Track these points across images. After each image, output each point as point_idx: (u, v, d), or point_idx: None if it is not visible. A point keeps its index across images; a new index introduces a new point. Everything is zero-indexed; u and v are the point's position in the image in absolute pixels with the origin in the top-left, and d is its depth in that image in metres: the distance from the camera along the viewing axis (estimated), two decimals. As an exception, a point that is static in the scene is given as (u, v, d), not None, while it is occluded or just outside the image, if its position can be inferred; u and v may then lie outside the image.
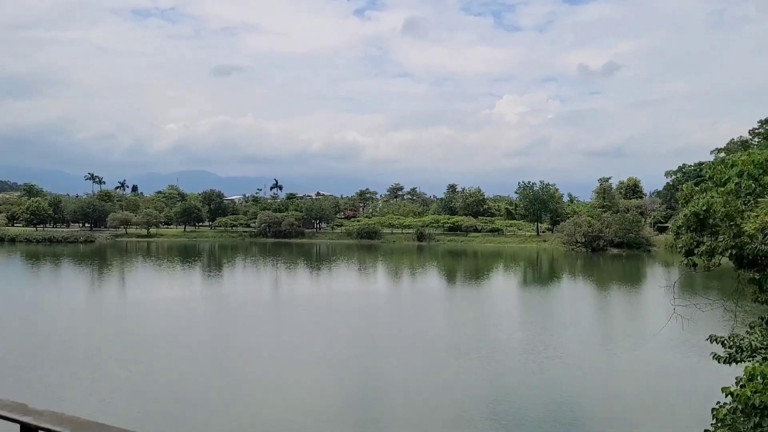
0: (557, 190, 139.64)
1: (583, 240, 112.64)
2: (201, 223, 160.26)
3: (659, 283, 64.19)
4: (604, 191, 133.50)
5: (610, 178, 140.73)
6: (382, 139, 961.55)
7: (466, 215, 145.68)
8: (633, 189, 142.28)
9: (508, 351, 32.18)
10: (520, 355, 31.04)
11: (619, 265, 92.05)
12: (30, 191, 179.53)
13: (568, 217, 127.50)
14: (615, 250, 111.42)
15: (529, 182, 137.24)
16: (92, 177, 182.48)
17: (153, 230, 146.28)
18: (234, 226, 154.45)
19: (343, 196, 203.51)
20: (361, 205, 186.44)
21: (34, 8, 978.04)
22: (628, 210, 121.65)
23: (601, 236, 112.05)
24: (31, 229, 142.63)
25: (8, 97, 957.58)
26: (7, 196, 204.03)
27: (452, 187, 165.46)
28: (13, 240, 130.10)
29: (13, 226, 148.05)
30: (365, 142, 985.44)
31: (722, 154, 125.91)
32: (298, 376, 27.42)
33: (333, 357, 30.87)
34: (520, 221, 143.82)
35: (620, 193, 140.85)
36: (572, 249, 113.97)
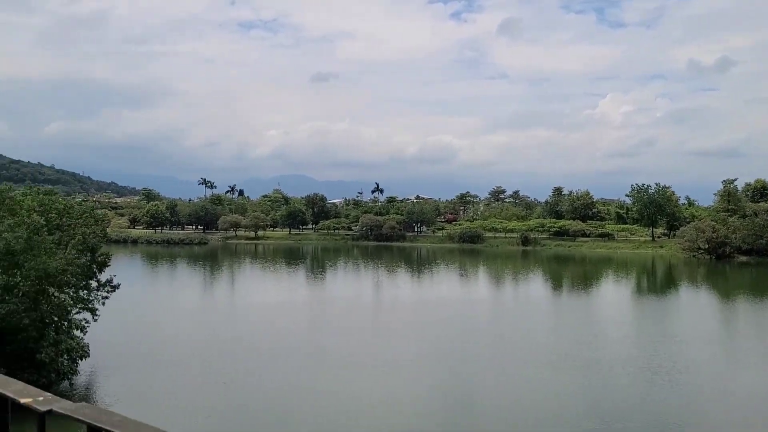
0: (674, 193, 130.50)
1: (707, 246, 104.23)
2: (305, 226, 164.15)
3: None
4: (728, 194, 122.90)
5: (735, 179, 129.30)
6: (477, 142, 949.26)
7: (574, 219, 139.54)
8: (761, 191, 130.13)
9: (618, 367, 29.47)
10: (633, 373, 28.26)
11: (750, 275, 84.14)
12: (148, 195, 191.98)
13: (687, 222, 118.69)
14: (743, 258, 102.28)
15: (643, 185, 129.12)
16: (205, 182, 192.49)
17: (260, 233, 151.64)
18: (336, 229, 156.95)
19: (442, 200, 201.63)
20: (462, 208, 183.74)
21: (148, 24, 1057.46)
22: (757, 214, 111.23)
23: (727, 242, 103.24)
24: (150, 231, 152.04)
25: (124, 108, 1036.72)
26: (128, 200, 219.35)
27: (558, 190, 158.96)
28: (135, 241, 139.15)
29: (134, 228, 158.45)
30: (460, 144, 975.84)
31: None
32: (399, 385, 27.17)
33: (432, 365, 30.46)
34: (633, 226, 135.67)
35: (746, 195, 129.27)
36: (693, 256, 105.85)
